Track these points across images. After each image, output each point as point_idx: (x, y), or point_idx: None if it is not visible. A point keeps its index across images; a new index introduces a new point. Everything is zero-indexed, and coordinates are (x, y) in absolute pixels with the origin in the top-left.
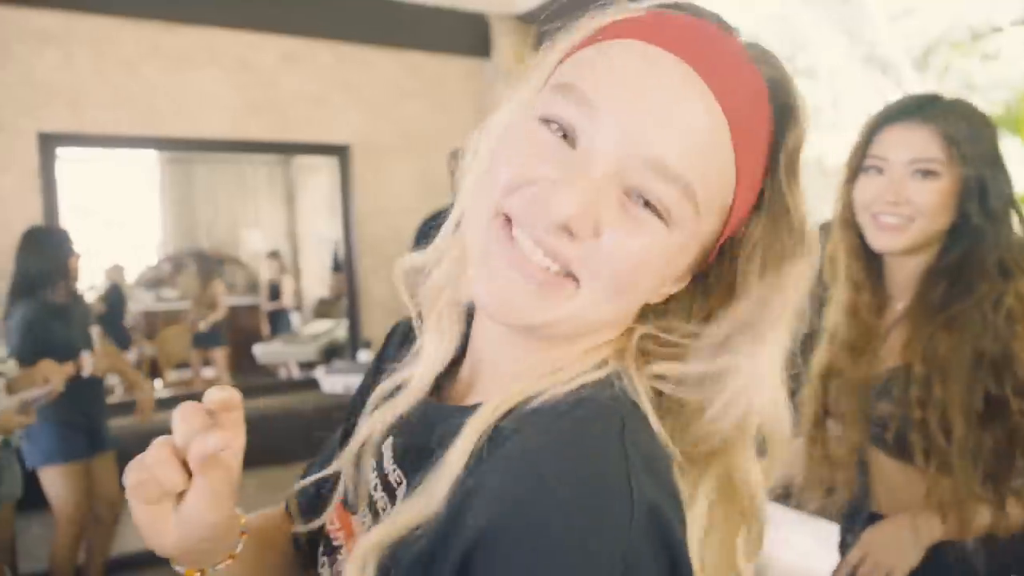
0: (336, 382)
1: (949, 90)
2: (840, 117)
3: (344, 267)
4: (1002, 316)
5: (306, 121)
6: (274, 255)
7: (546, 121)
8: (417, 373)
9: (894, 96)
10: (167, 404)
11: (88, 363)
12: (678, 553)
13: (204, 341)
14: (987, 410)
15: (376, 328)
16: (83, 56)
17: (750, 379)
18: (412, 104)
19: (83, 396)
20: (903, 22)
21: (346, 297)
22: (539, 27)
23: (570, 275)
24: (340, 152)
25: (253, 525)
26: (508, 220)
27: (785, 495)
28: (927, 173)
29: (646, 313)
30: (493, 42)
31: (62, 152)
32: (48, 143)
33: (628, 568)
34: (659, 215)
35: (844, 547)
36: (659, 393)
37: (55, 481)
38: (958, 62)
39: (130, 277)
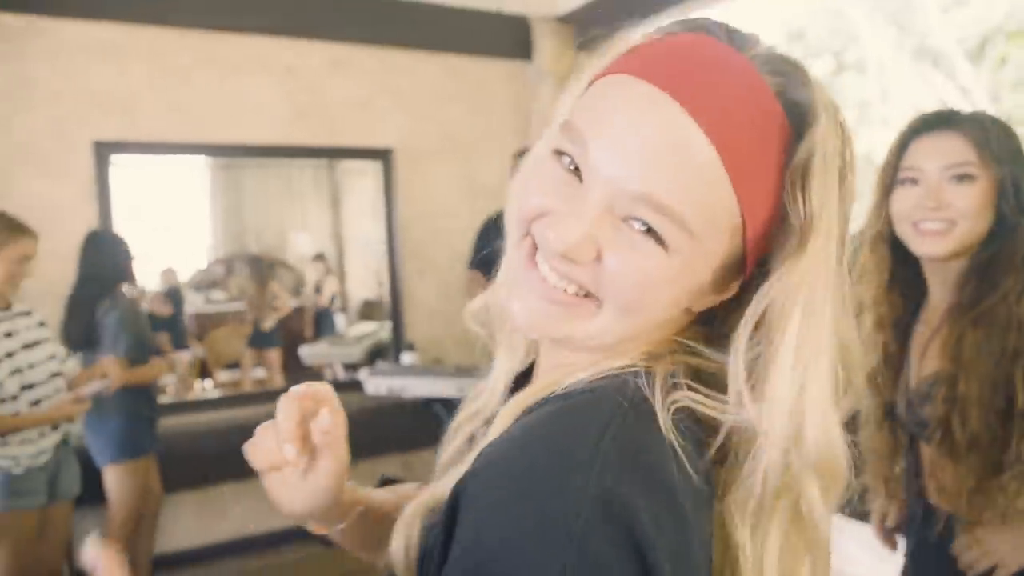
0: (380, 384)
1: (1007, 81)
2: (890, 111)
3: (387, 270)
4: (1021, 308)
5: (351, 126)
6: (319, 258)
7: (559, 154)
8: (490, 386)
9: (946, 90)
10: (216, 404)
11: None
12: (648, 552)
13: (261, 341)
14: (1011, 404)
15: (419, 331)
16: (138, 66)
17: (793, 401)
18: (454, 107)
19: (147, 394)
20: (956, 13)
21: (390, 301)
22: (580, 28)
23: (590, 296)
24: (383, 156)
25: (375, 498)
26: (535, 244)
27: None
28: (963, 177)
29: (703, 321)
30: (534, 44)
31: (116, 159)
32: (103, 151)
33: (580, 552)
34: (657, 239)
35: (912, 550)
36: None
37: (123, 478)
38: (1016, 53)
39: (181, 280)
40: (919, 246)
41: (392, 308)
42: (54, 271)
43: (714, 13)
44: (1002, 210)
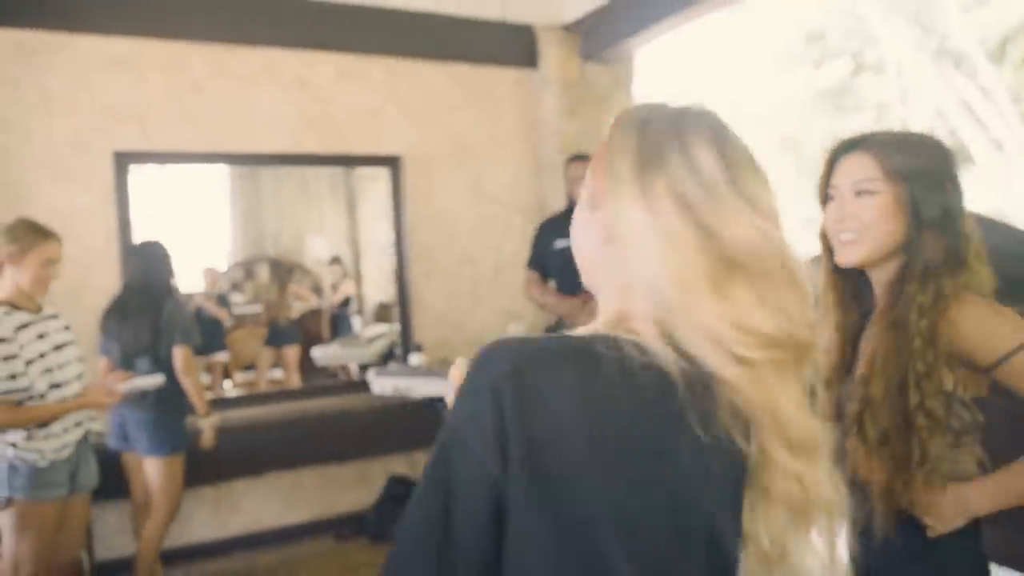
0: (385, 384)
1: None
2: (909, 113)
3: (396, 273)
4: (914, 314)
5: (360, 134)
6: (335, 261)
7: None
8: None
9: (967, 90)
10: (234, 403)
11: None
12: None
13: (281, 339)
14: (904, 407)
15: (427, 333)
16: (154, 79)
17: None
18: (461, 115)
19: (183, 392)
20: (977, 13)
21: (398, 303)
22: (585, 37)
23: None
24: (392, 163)
25: None
26: None
27: None
28: (866, 192)
29: None
30: (540, 52)
31: (135, 169)
32: (122, 161)
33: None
34: None
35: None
36: None
37: (175, 469)
38: None
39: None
40: (838, 256)
41: (400, 310)
42: (75, 277)
43: (731, 15)
44: (907, 221)
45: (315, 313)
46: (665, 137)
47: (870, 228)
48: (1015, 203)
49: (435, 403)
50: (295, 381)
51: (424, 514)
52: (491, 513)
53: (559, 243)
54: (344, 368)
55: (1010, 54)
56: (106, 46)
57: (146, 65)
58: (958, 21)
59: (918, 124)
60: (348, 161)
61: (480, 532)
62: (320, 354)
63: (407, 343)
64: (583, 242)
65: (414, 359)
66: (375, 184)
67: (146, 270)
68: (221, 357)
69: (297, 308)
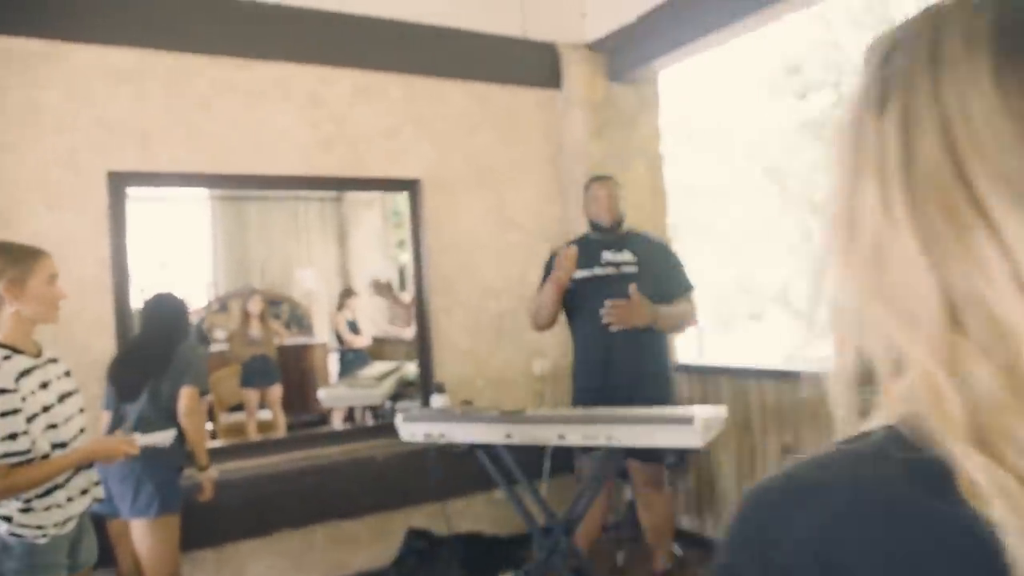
0: (416, 430)
1: None
2: None
3: (416, 307)
4: None
5: (377, 155)
6: (348, 293)
7: None
8: None
9: None
10: (233, 453)
11: None
12: None
13: (257, 379)
14: None
15: (449, 370)
16: (156, 94)
17: None
18: (483, 136)
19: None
20: None
21: (416, 338)
22: (610, 56)
23: None
24: (410, 187)
25: None
26: None
27: None
28: None
29: None
30: (563, 72)
31: (132, 192)
32: (118, 182)
33: None
34: None
35: None
36: None
37: (168, 533)
38: None
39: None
40: None
41: (420, 346)
42: (64, 310)
43: (721, 45)
44: None
45: (306, 349)
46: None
47: None
48: None
49: (476, 450)
50: (281, 423)
51: None
52: None
53: (580, 273)
54: (344, 410)
55: None
56: (104, 57)
57: (147, 78)
58: None
59: None
60: (364, 185)
61: None
62: (326, 396)
63: (427, 382)
64: (844, 282)
65: (437, 400)
66: (368, 212)
67: (163, 327)
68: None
69: (265, 350)
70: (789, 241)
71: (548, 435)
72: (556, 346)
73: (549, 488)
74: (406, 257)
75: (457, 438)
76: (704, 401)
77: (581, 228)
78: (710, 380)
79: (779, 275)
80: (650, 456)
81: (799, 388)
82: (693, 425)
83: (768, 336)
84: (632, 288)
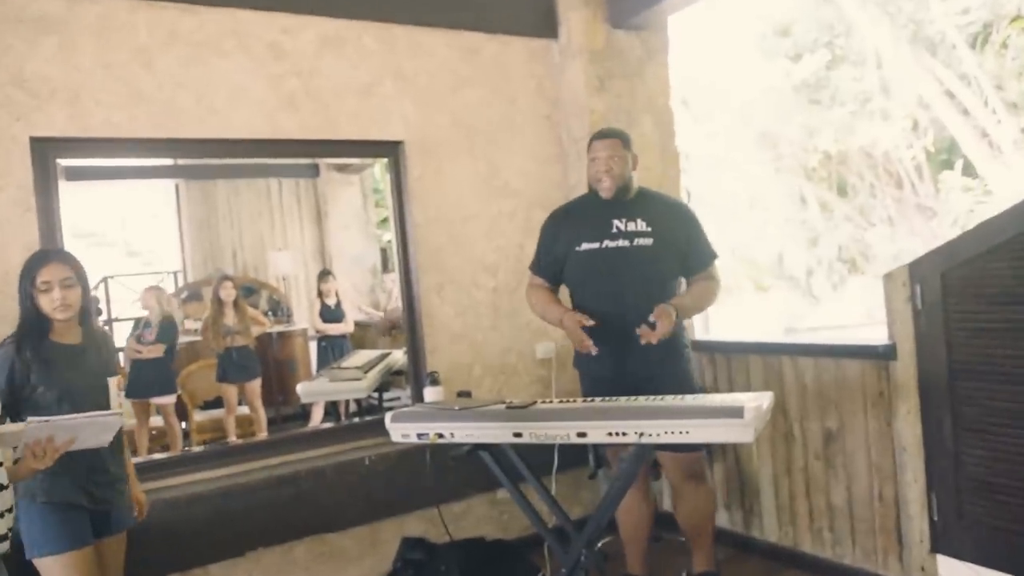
0: (409, 429)
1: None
2: (891, 104)
3: (403, 287)
4: None
5: (351, 115)
6: (325, 275)
7: None
8: None
9: (949, 80)
10: (201, 461)
11: None
12: None
13: (236, 373)
14: None
15: (442, 358)
16: (87, 46)
17: None
18: (471, 93)
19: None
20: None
21: (405, 323)
22: (612, 0)
23: None
24: (392, 150)
25: None
26: None
27: None
28: None
29: None
30: (560, 17)
31: (63, 162)
32: (44, 150)
33: None
34: None
35: None
36: None
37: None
38: (1017, 39)
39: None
40: None
41: (409, 332)
42: None
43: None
44: None
45: (283, 337)
46: None
47: None
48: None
49: (480, 450)
50: (262, 420)
51: None
52: None
53: (586, 245)
54: (323, 405)
55: (992, 40)
56: (26, 4)
57: (75, 28)
58: (938, 8)
59: (901, 116)
60: (338, 149)
61: None
62: (305, 390)
63: (418, 372)
64: None
65: (430, 393)
66: (347, 190)
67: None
68: (168, 400)
69: (243, 341)
70: (783, 210)
71: (565, 432)
72: None
73: (559, 485)
74: (389, 236)
75: (457, 438)
76: (730, 384)
77: (584, 191)
78: (736, 359)
79: (775, 244)
80: (686, 445)
81: (844, 365)
82: (743, 418)
83: (770, 307)
84: (655, 314)
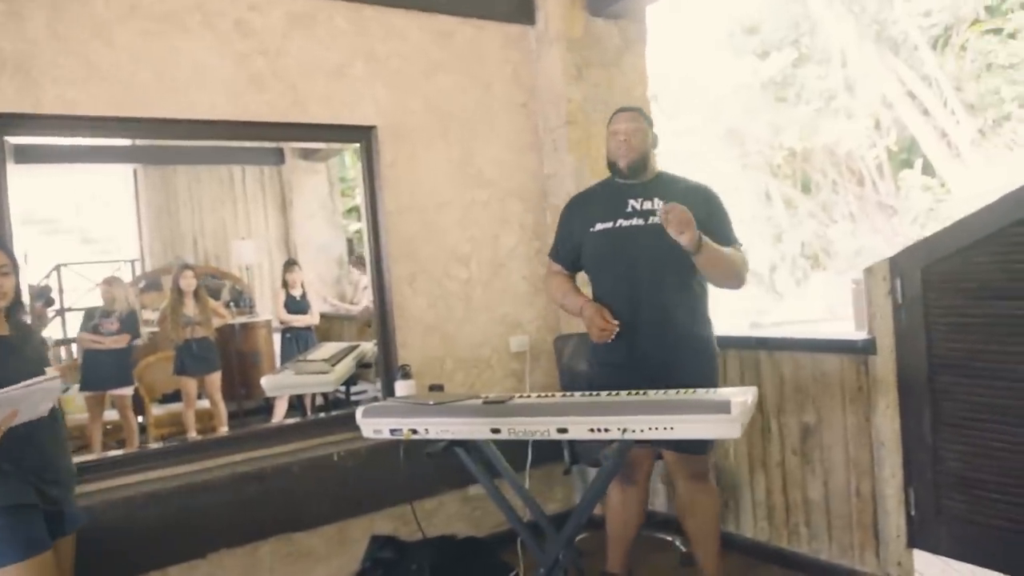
0: (381, 425)
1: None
2: (855, 103)
3: (373, 277)
4: None
5: (321, 97)
6: (291, 264)
7: None
8: None
9: (911, 80)
10: (159, 458)
11: None
12: None
13: (195, 366)
14: None
15: (413, 351)
16: (39, 17)
17: None
18: (445, 78)
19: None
20: (920, 0)
21: (376, 315)
22: None
23: None
24: (364, 135)
25: None
26: None
27: None
28: None
29: None
30: (537, 3)
31: (12, 140)
32: None
33: None
34: None
35: None
36: None
37: None
38: (976, 42)
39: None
40: None
41: (380, 324)
42: None
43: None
44: None
45: (246, 329)
46: None
47: None
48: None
49: (456, 447)
50: (222, 414)
51: None
52: None
53: (600, 225)
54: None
55: (952, 42)
56: None
57: None
58: (901, 8)
59: (864, 114)
60: (307, 132)
61: None
62: (270, 383)
63: (389, 365)
64: None
65: (402, 387)
66: (313, 178)
67: None
68: (125, 391)
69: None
70: (749, 206)
71: (545, 428)
72: (535, 319)
73: (532, 480)
74: (356, 226)
75: (432, 434)
76: None
77: (560, 183)
78: None
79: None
80: (691, 446)
81: (822, 360)
82: (731, 413)
83: (733, 302)
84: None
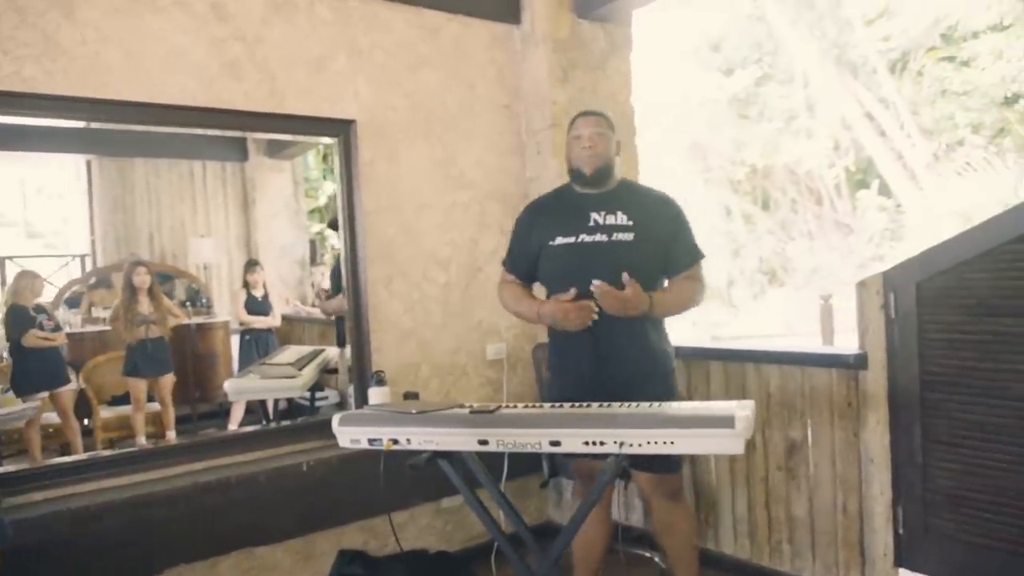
0: (359, 434)
1: (926, 96)
2: (815, 123)
3: (348, 279)
4: None
5: (300, 89)
6: (253, 265)
7: None
8: None
9: (870, 102)
10: (108, 466)
11: None
12: None
13: (146, 366)
14: None
15: (387, 356)
16: None
17: None
18: (428, 75)
19: None
20: (879, 25)
21: (350, 317)
22: None
23: None
24: (343, 129)
25: None
26: None
27: None
28: None
29: None
30: (523, 3)
31: None
32: None
33: None
34: None
35: None
36: None
37: None
38: (933, 68)
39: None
40: None
41: (354, 327)
42: None
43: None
44: None
45: (203, 329)
46: None
47: None
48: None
49: (439, 458)
50: (171, 421)
51: None
52: None
53: (560, 239)
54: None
55: (910, 67)
56: None
57: None
58: (862, 32)
59: (824, 135)
60: (284, 124)
61: None
62: (233, 387)
63: (363, 371)
64: None
65: (376, 394)
66: (276, 177)
67: None
68: (66, 389)
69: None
70: (709, 220)
71: (537, 440)
72: (513, 327)
73: (507, 492)
74: (319, 227)
75: (415, 445)
76: (690, 392)
77: (541, 187)
78: (696, 365)
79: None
80: (665, 464)
81: (811, 374)
82: (735, 427)
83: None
84: (625, 277)
